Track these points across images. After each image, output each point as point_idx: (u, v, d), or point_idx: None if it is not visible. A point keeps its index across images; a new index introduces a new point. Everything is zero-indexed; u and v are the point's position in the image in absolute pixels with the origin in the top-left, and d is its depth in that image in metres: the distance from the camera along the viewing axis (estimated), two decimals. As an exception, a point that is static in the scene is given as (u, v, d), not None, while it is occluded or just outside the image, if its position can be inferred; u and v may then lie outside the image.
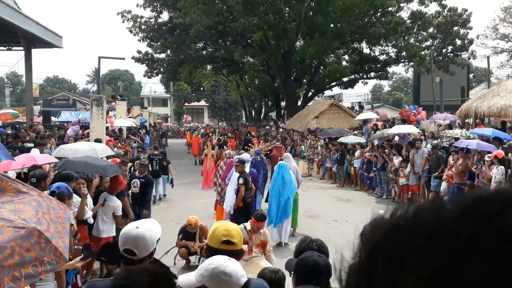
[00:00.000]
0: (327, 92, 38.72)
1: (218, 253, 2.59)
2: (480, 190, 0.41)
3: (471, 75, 43.21)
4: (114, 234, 7.04)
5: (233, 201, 9.33)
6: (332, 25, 27.98)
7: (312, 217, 11.80)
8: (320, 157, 20.01)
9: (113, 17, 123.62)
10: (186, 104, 70.37)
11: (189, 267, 7.64)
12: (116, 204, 7.29)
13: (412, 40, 30.85)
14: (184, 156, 26.43)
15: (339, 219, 11.45)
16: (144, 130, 26.20)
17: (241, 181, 9.23)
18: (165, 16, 36.86)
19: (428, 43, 33.66)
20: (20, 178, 5.74)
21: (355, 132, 20.91)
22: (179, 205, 12.97)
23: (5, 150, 8.30)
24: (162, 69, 39.69)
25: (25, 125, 21.55)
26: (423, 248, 0.41)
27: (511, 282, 0.35)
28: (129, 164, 11.08)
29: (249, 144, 20.70)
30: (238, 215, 8.76)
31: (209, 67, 40.89)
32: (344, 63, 35.70)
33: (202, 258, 6.63)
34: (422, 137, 15.56)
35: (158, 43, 36.07)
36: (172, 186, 14.75)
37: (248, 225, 7.23)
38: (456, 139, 13.19)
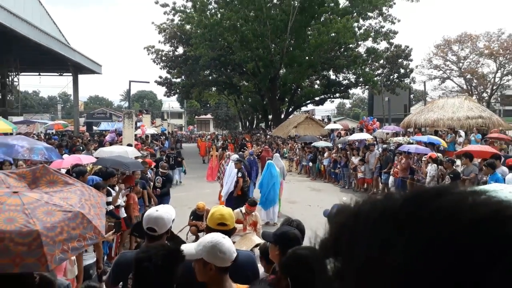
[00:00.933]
0: (303, 108, 38.85)
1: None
2: (418, 186, 0.45)
3: (411, 96, 43.52)
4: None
5: (229, 191, 9.37)
6: (307, 58, 28.08)
7: (292, 202, 11.80)
8: (298, 157, 20.05)
9: (140, 50, 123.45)
10: (196, 116, 70.18)
11: (198, 242, 7.59)
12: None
13: (367, 69, 30.99)
14: (194, 156, 26.22)
15: (312, 204, 11.47)
16: (164, 137, 26.09)
17: (239, 174, 9.30)
18: (180, 50, 36.79)
19: (379, 71, 33.84)
20: (68, 174, 5.70)
21: (325, 138, 20.98)
22: (191, 194, 12.90)
23: (56, 152, 8.24)
24: (178, 90, 39.52)
25: (72, 133, 21.38)
26: (375, 223, 0.43)
27: (433, 243, 0.38)
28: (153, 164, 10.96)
29: (244, 147, 20.67)
30: (238, 201, 8.78)
31: (214, 88, 40.80)
32: (316, 86, 35.81)
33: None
34: (375, 142, 15.64)
35: (175, 71, 36.00)
36: (185, 173, 16.01)
37: (243, 209, 7.23)
38: (400, 144, 13.29)
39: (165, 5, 31.17)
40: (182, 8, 31.55)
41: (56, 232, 2.15)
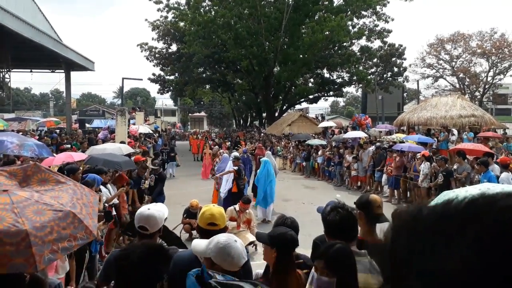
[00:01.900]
0: (297, 106, 38.85)
1: (205, 233, 2.53)
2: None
3: (405, 94, 43.73)
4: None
5: (227, 189, 9.44)
6: (301, 56, 28.07)
7: (286, 200, 11.81)
8: (292, 155, 20.04)
9: (134, 47, 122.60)
10: (190, 114, 69.85)
11: (191, 239, 7.56)
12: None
13: (361, 68, 31.05)
14: (186, 154, 26.04)
15: (306, 201, 11.48)
16: (157, 134, 25.88)
17: (236, 168, 9.62)
18: (174, 47, 36.65)
19: (373, 70, 33.90)
20: (60, 171, 5.62)
21: (318, 136, 21.00)
22: (184, 192, 12.85)
23: (47, 149, 8.15)
24: (171, 88, 39.27)
25: (65, 130, 21.18)
26: (438, 223, 0.48)
27: (499, 238, 0.42)
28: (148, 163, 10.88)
29: (238, 145, 20.63)
30: (234, 198, 8.79)
31: (207, 86, 40.61)
32: (310, 84, 35.77)
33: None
34: (368, 140, 15.66)
35: (168, 68, 35.87)
36: (177, 166, 17.35)
37: (237, 206, 7.21)
38: (394, 142, 13.34)
39: (158, 2, 30.95)
40: (176, 5, 31.41)
41: (46, 232, 2.11)
